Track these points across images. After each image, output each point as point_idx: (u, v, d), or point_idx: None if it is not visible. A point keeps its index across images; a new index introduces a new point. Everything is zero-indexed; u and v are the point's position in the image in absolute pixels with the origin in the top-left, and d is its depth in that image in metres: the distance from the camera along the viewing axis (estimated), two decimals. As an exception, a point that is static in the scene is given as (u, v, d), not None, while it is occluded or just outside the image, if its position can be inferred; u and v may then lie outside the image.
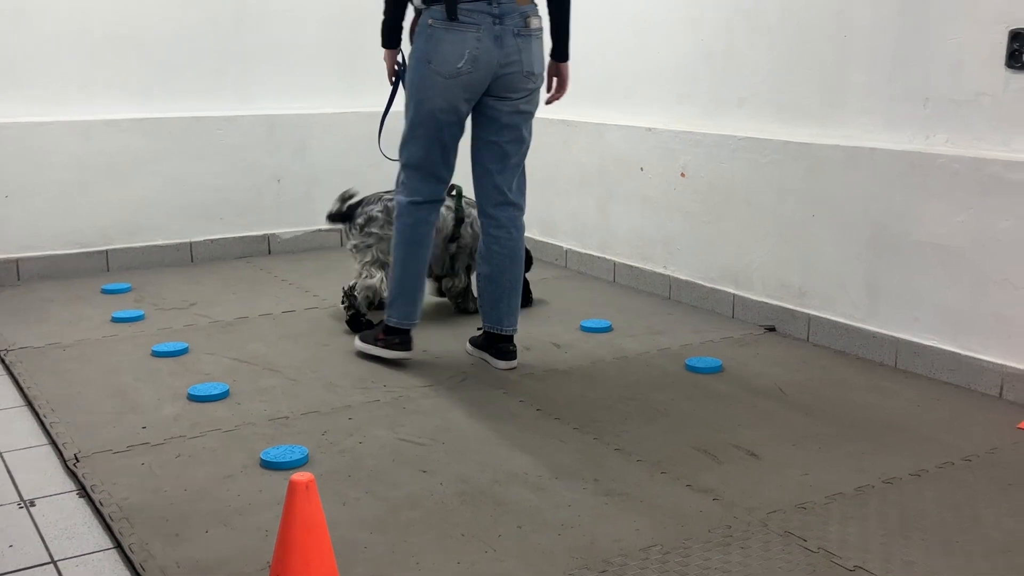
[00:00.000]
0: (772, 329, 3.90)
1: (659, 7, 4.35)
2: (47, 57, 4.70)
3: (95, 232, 4.88)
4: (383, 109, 3.55)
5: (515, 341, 3.49)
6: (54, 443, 2.82)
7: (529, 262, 4.01)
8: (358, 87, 5.40)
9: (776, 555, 2.20)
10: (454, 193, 4.00)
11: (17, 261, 4.69)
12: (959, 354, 3.27)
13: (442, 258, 4.07)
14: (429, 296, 4.29)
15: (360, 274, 3.90)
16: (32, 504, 2.46)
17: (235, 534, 2.30)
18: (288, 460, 2.64)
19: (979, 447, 2.78)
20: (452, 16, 3.14)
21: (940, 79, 3.28)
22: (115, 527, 2.32)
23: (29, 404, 3.14)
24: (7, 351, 3.63)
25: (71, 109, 4.78)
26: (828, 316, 3.70)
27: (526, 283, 4.03)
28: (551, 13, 3.36)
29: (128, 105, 4.92)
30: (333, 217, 4.10)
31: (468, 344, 3.63)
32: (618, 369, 3.46)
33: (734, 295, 4.08)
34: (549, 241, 5.14)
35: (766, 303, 3.94)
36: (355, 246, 3.97)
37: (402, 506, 2.44)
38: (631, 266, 4.60)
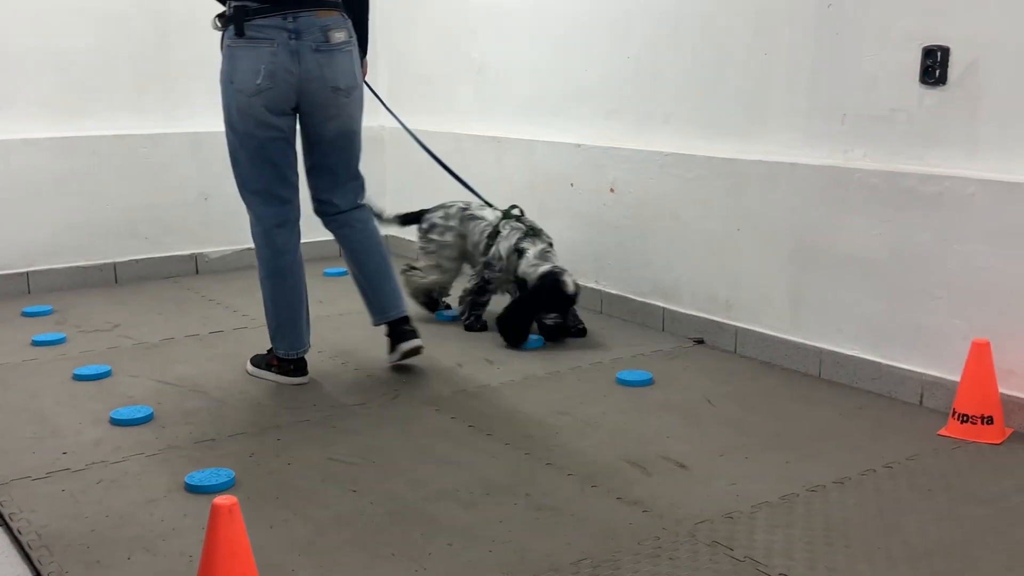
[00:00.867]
0: (701, 342, 3.96)
1: (585, 25, 4.40)
2: (-37, 74, 4.58)
3: (15, 254, 4.75)
4: None
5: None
6: (-31, 471, 2.74)
7: (576, 296, 3.91)
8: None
9: (704, 565, 2.22)
10: (515, 212, 4.12)
11: (-68, 284, 4.55)
12: (880, 363, 3.35)
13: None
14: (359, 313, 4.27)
15: (418, 273, 4.24)
16: (-55, 535, 2.38)
17: (158, 560, 2.25)
18: (213, 483, 2.59)
19: (900, 454, 2.85)
20: (240, 33, 3.13)
21: (857, 96, 3.38)
22: (34, 555, 2.26)
23: (-57, 431, 3.04)
24: (-80, 377, 3.51)
25: (-11, 128, 4.67)
26: (754, 328, 3.77)
27: (575, 313, 4.01)
28: (351, 17, 3.33)
29: (48, 124, 4.81)
30: (404, 219, 4.36)
31: (387, 356, 3.61)
32: (550, 384, 3.47)
33: (663, 308, 4.13)
34: (481, 257, 5.15)
35: (695, 316, 3.99)
36: (420, 248, 4.28)
37: (331, 527, 2.41)
38: (562, 281, 4.62)
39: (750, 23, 3.69)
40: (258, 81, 3.14)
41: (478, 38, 5.04)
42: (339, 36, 3.22)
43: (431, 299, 4.36)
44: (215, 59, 3.45)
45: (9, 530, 2.39)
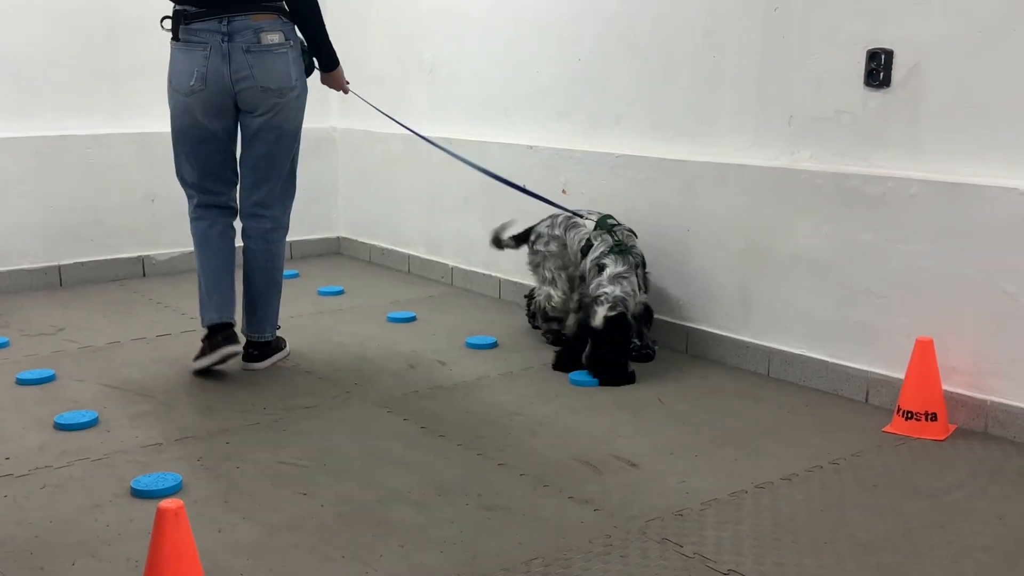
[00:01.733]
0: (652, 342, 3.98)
1: (536, 27, 4.41)
2: (-100, 72, 4.46)
3: (-45, 256, 4.65)
4: None
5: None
6: (-94, 478, 2.67)
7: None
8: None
9: (654, 562, 2.24)
10: (610, 221, 3.71)
11: None
12: (827, 362, 3.40)
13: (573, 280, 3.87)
14: (309, 315, 4.24)
15: (538, 299, 3.98)
16: None
17: (102, 565, 2.21)
18: (160, 488, 2.55)
19: (846, 451, 2.89)
20: (176, 37, 3.32)
21: (803, 98, 3.43)
22: (-27, 564, 2.21)
23: None
24: None
25: (-73, 127, 4.56)
26: (704, 328, 3.80)
27: (642, 337, 3.72)
28: (300, 31, 3.46)
29: (-10, 123, 4.71)
30: (518, 239, 4.12)
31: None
32: (503, 385, 3.47)
33: (615, 309, 4.14)
34: (434, 259, 5.14)
35: (646, 316, 4.02)
36: (528, 264, 4.04)
37: (281, 530, 2.39)
38: (516, 282, 4.63)
39: (699, 26, 3.73)
40: (191, 83, 3.31)
41: (430, 39, 5.03)
42: (272, 38, 3.29)
43: (546, 314, 3.95)
44: (163, 59, 3.44)
45: (-52, 538, 2.33)
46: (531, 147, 4.46)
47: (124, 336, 4.03)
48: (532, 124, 4.51)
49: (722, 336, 3.74)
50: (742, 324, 3.68)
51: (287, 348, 3.75)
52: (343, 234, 5.87)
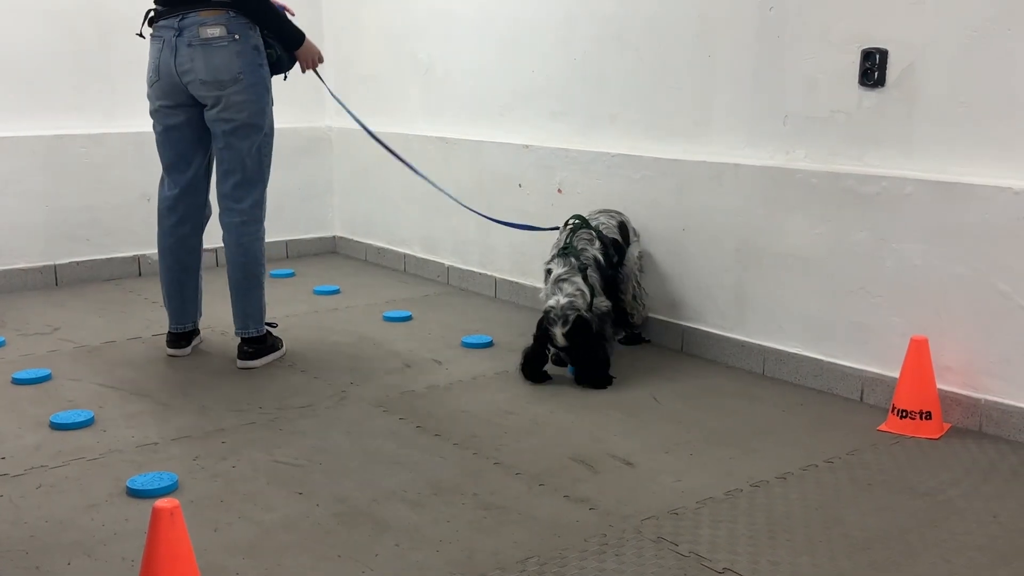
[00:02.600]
0: (647, 340, 3.99)
1: (531, 27, 4.41)
2: None
3: (-50, 256, 4.64)
4: None
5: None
6: (-98, 478, 2.67)
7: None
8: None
9: (649, 561, 2.24)
10: (572, 223, 3.65)
11: None
12: (821, 360, 3.41)
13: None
14: (305, 315, 4.25)
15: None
16: None
17: (98, 565, 2.21)
18: (156, 487, 2.56)
19: (841, 449, 2.90)
20: (142, 33, 3.55)
21: (798, 97, 3.43)
22: (-32, 564, 2.21)
23: None
24: None
25: (-78, 126, 4.55)
26: (699, 327, 3.81)
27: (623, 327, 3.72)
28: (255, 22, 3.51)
29: (-15, 122, 4.71)
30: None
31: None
32: (499, 384, 3.48)
33: (611, 308, 4.15)
34: (430, 258, 5.15)
35: (641, 315, 4.02)
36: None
37: (276, 529, 2.39)
38: (512, 281, 4.63)
39: (693, 26, 3.74)
40: (150, 75, 3.52)
41: (425, 39, 5.03)
42: (212, 32, 3.38)
43: (625, 326, 3.85)
44: (158, 59, 3.44)
45: (-56, 538, 2.33)
46: (526, 146, 4.47)
47: (120, 336, 4.03)
48: (527, 124, 4.51)
49: (717, 335, 3.74)
50: (737, 323, 3.69)
51: (283, 347, 3.76)
52: (339, 233, 5.88)
